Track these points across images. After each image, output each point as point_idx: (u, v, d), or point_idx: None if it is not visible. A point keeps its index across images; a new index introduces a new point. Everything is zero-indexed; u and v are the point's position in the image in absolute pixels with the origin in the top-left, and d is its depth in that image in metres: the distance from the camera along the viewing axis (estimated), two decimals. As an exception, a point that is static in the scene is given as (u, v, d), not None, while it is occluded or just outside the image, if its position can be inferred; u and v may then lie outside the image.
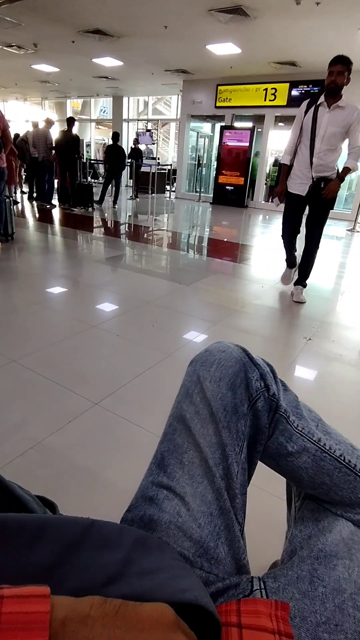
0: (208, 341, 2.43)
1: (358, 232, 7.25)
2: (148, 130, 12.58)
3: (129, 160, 10.42)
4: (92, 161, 11.12)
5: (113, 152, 7.84)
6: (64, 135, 6.99)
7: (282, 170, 3.04)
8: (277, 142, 10.13)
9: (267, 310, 2.93)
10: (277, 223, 7.92)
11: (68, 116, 7.46)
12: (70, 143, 7.02)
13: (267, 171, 10.32)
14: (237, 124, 10.07)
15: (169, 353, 2.08)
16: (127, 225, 6.78)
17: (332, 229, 7.63)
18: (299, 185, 2.95)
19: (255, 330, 2.53)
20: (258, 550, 0.73)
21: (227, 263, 4.42)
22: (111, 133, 8.17)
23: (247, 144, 9.39)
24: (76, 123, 8.02)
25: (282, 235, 3.26)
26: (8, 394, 1.66)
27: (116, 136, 7.96)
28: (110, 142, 8.03)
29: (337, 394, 1.88)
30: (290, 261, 3.28)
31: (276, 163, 10.67)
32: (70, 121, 7.09)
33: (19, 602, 0.21)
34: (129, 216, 7.80)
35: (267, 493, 1.15)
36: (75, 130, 7.29)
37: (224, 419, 0.53)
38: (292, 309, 3.03)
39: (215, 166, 10.55)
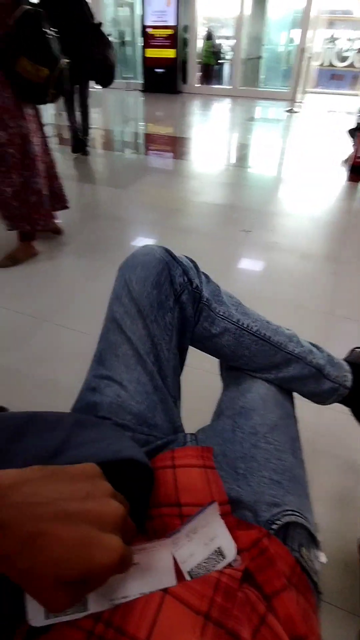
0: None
1: (297, 112, 6.88)
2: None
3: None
4: None
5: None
6: None
7: None
8: (208, 10, 8.89)
9: (207, 207, 2.92)
10: (214, 109, 7.39)
11: None
12: None
13: (200, 48, 9.20)
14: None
15: (115, 262, 2.09)
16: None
17: (271, 111, 7.24)
18: None
19: (197, 229, 2.56)
20: (195, 416, 0.87)
21: (165, 160, 4.20)
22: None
23: (174, 14, 8.20)
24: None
25: None
26: None
27: None
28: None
29: (274, 280, 2.03)
30: None
31: (209, 37, 9.51)
32: None
33: None
34: (52, 115, 6.95)
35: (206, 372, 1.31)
36: None
37: (151, 314, 0.59)
38: (231, 202, 3.03)
39: (142, 44, 9.26)
